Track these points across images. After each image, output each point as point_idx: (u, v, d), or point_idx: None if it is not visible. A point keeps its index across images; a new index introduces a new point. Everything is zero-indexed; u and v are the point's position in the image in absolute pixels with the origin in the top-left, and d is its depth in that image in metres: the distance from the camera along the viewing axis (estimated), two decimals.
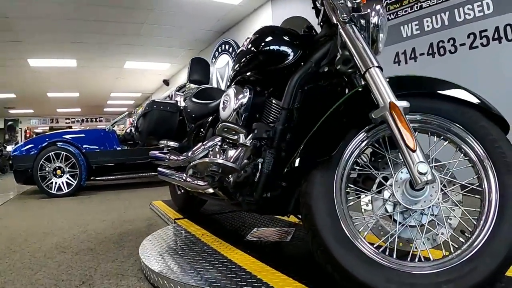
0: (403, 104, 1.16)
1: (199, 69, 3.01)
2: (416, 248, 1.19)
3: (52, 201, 5.07)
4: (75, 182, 5.58)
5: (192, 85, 3.38)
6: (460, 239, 1.17)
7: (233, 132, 1.77)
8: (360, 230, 1.24)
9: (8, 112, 18.93)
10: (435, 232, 1.22)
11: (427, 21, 3.71)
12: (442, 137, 1.26)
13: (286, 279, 1.41)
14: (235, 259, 1.71)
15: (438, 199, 1.20)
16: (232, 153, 1.81)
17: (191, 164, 2.02)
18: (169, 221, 3.05)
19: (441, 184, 1.22)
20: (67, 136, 5.92)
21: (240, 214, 2.90)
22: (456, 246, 1.15)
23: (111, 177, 6.21)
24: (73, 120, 21.81)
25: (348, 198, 1.30)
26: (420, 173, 1.09)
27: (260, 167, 1.59)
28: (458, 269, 1.06)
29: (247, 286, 1.37)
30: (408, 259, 1.15)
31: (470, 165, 1.21)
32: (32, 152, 5.52)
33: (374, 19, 1.46)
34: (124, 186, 6.42)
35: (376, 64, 1.24)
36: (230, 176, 1.71)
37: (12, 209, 4.55)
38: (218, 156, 1.98)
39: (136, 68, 11.54)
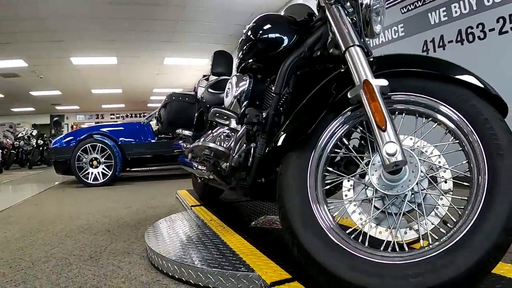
0: (379, 82, 1.13)
1: (222, 61, 3.07)
2: (397, 236, 1.15)
3: (87, 190, 5.38)
4: (110, 173, 5.88)
5: (214, 77, 3.47)
6: (442, 230, 1.10)
7: (225, 117, 1.82)
8: (334, 215, 1.21)
9: (55, 109, 20.17)
10: (418, 221, 1.14)
11: (455, 7, 3.54)
12: (430, 118, 1.18)
13: (268, 262, 1.43)
14: (229, 243, 1.76)
15: (418, 185, 1.14)
16: (228, 138, 1.86)
17: (189, 148, 2.09)
18: (187, 207, 3.16)
19: (429, 169, 1.18)
20: (104, 129, 6.25)
21: (255, 203, 2.96)
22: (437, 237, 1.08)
23: (146, 168, 6.46)
24: (118, 115, 22.76)
25: (326, 182, 1.27)
26: (388, 154, 1.06)
27: (252, 151, 1.62)
28: (431, 262, 0.98)
29: (229, 265, 1.41)
30: (382, 248, 1.10)
31: (460, 148, 1.13)
32: (71, 144, 5.88)
33: (365, 0, 1.43)
34: (158, 177, 6.68)
35: (357, 43, 1.23)
36: (224, 161, 1.77)
37: (49, 196, 4.89)
38: (222, 142, 2.03)
39: (175, 64, 11.88)
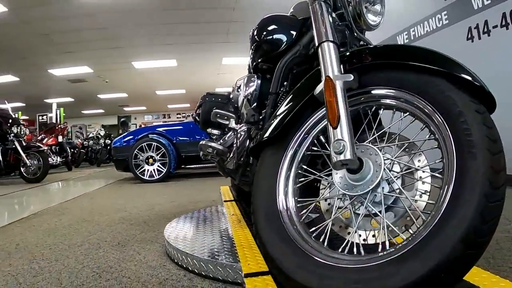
0: (342, 78, 1.12)
1: None
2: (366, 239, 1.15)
3: (142, 186, 5.79)
4: (165, 170, 6.26)
5: None
6: (402, 235, 1.04)
7: (225, 117, 1.92)
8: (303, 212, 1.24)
9: (123, 110, 21.72)
10: (382, 225, 1.08)
11: None
12: (408, 112, 1.13)
13: (257, 256, 1.45)
14: (235, 236, 1.82)
15: (380, 185, 1.10)
16: (232, 137, 1.96)
17: (199, 146, 2.21)
18: (222, 202, 3.31)
19: (403, 169, 1.14)
20: (160, 129, 6.67)
21: None
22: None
23: (200, 165, 6.75)
24: (184, 114, 23.78)
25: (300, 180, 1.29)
26: (335, 152, 1.05)
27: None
28: (379, 269, 0.92)
29: (222, 256, 1.50)
30: (340, 249, 1.09)
31: (436, 146, 1.05)
32: (130, 144, 6.35)
33: None
34: (212, 174, 6.95)
35: (330, 38, 1.20)
36: (227, 159, 1.88)
37: (105, 191, 5.34)
38: (227, 141, 2.12)
39: (234, 63, 12.24)
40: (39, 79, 12.75)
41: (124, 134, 6.99)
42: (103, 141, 13.24)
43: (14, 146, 6.88)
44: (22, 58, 10.16)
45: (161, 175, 6.25)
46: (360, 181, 1.10)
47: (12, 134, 6.97)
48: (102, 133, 13.89)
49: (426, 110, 1.05)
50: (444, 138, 1.00)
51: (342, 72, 1.15)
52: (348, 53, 1.21)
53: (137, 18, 7.68)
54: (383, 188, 1.11)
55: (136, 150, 6.22)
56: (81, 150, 12.65)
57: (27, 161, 6.89)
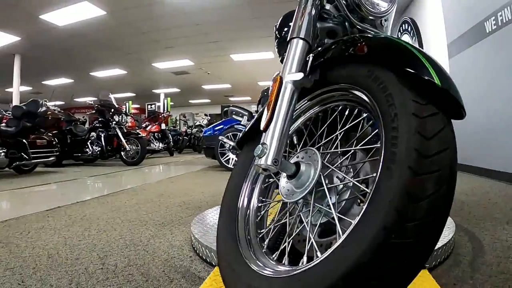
0: (291, 77, 1.10)
1: None
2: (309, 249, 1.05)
3: (225, 173, 6.18)
4: None
5: None
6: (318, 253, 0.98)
7: (240, 114, 2.04)
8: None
9: (228, 100, 22.96)
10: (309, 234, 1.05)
11: None
12: (366, 114, 1.08)
13: None
14: None
15: (312, 193, 1.07)
16: None
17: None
18: None
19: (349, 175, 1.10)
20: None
21: None
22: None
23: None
24: None
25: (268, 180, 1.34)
26: (257, 156, 1.03)
27: None
28: (285, 282, 0.93)
29: None
30: (284, 259, 1.08)
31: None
32: (217, 133, 6.81)
33: None
34: None
35: (301, 35, 1.17)
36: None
37: (188, 176, 5.84)
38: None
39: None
40: (145, 72, 14.39)
41: (213, 124, 7.49)
42: None
43: (116, 132, 7.88)
44: (127, 53, 11.60)
45: None
46: (299, 188, 1.08)
47: (114, 122, 7.98)
48: (205, 122, 14.90)
49: (374, 112, 0.97)
50: (380, 143, 0.90)
51: (301, 71, 1.12)
52: (320, 49, 1.17)
53: (227, 14, 8.18)
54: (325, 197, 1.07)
55: (222, 139, 6.65)
56: (185, 137, 13.81)
57: (127, 146, 7.83)
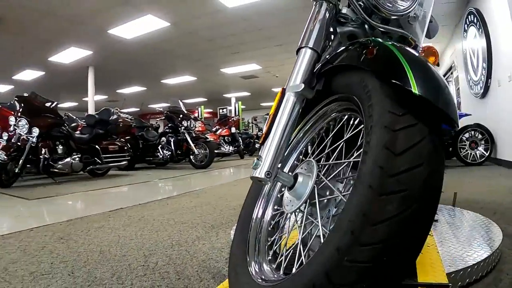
0: (293, 88, 1.11)
1: None
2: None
3: None
4: None
5: None
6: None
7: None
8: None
9: None
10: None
11: None
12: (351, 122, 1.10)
13: None
14: None
15: (305, 203, 1.09)
16: None
17: None
18: None
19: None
20: None
21: None
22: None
23: None
24: None
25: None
26: (253, 168, 1.05)
27: None
28: None
29: None
30: (280, 269, 1.13)
31: None
32: None
33: None
34: None
35: (310, 45, 1.18)
36: None
37: None
38: None
39: None
40: (214, 77, 15.01)
41: None
42: None
43: (184, 137, 8.27)
44: (195, 61, 12.19)
45: None
46: (297, 199, 1.09)
47: (183, 127, 8.38)
48: None
49: (361, 122, 0.99)
50: None
51: (306, 81, 1.13)
52: (328, 57, 1.16)
53: (288, 17, 8.25)
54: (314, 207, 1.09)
55: None
56: (256, 140, 14.12)
57: (195, 150, 8.18)
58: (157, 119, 12.60)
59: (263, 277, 1.09)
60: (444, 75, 13.13)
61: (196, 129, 9.05)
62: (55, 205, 3.82)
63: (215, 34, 9.48)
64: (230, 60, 12.29)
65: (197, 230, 2.40)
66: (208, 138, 8.72)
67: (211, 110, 22.55)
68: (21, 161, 5.15)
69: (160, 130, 9.69)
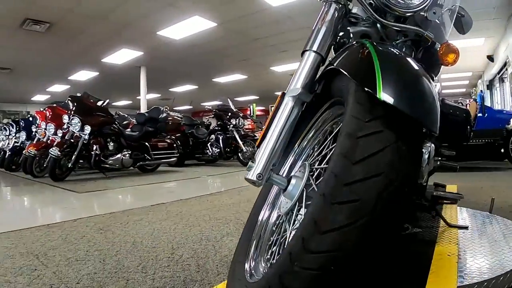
0: (291, 92, 1.13)
1: None
2: None
3: None
4: None
5: None
6: None
7: None
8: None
9: None
10: None
11: None
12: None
13: None
14: None
15: (295, 205, 1.12)
16: None
17: None
18: None
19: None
20: None
21: None
22: None
23: None
24: None
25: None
26: (248, 169, 1.07)
27: None
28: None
29: None
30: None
31: None
32: None
33: None
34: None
35: (314, 48, 1.19)
36: None
37: None
38: None
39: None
40: (264, 75, 15.25)
41: None
42: None
43: (233, 135, 8.44)
44: (244, 60, 12.42)
45: None
46: (290, 200, 1.12)
47: (232, 125, 8.56)
48: None
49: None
50: None
51: (307, 85, 1.14)
52: (330, 59, 1.18)
53: None
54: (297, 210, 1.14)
55: None
56: None
57: (244, 148, 8.33)
58: (208, 117, 12.96)
59: (254, 275, 1.15)
60: (499, 72, 12.40)
61: (245, 127, 9.22)
62: (101, 198, 4.09)
63: (261, 33, 9.60)
64: (279, 58, 12.38)
65: (228, 227, 2.48)
66: (256, 136, 8.85)
67: (263, 108, 22.74)
68: (73, 156, 5.54)
69: (212, 127, 9.97)
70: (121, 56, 11.03)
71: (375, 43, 1.00)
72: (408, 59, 0.96)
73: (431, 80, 0.90)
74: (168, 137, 7.64)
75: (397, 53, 0.97)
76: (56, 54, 10.39)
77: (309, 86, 1.15)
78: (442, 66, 2.28)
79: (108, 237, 2.24)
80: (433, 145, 2.36)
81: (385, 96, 0.80)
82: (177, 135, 8.47)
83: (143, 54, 10.92)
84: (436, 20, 1.37)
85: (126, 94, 17.62)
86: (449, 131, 2.84)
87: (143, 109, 11.96)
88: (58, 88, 15.19)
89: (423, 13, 1.29)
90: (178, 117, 9.06)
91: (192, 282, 1.48)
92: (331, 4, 1.27)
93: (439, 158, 1.90)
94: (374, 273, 0.79)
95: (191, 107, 21.24)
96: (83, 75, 13.30)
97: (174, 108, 19.63)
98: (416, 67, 0.92)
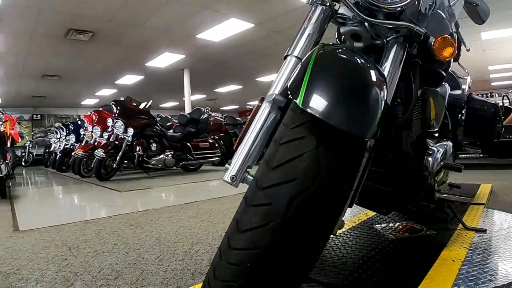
0: (268, 98, 1.12)
1: None
2: None
3: None
4: None
5: None
6: None
7: None
8: None
9: None
10: None
11: None
12: None
13: None
14: None
15: None
16: None
17: None
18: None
19: None
20: None
21: None
22: None
23: None
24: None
25: None
26: (224, 172, 1.08)
27: None
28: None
29: None
30: None
31: None
32: None
33: None
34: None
35: (295, 54, 1.21)
36: None
37: None
38: None
39: (497, 37, 10.60)
40: None
41: None
42: None
43: None
44: (283, 60, 12.27)
45: None
46: None
47: None
48: None
49: None
50: None
51: (283, 92, 1.13)
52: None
53: None
54: None
55: None
56: None
57: None
58: None
59: None
60: None
61: None
62: (141, 197, 4.35)
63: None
64: None
65: None
66: None
67: None
68: (118, 157, 5.91)
69: None
70: (164, 60, 11.44)
71: (326, 49, 1.04)
72: (355, 64, 0.98)
73: (377, 85, 0.92)
74: (211, 137, 7.89)
75: (344, 59, 0.99)
76: (101, 60, 10.95)
77: (286, 91, 1.13)
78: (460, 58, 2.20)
79: (137, 232, 2.43)
80: (450, 143, 2.33)
81: (305, 104, 0.86)
82: (220, 135, 8.71)
83: (185, 57, 11.26)
84: (439, 12, 1.36)
85: (172, 95, 18.18)
86: (476, 127, 2.77)
87: (187, 110, 12.34)
88: (106, 92, 15.91)
89: (413, 8, 1.26)
90: (219, 117, 9.30)
91: (200, 275, 1.61)
92: (317, 6, 1.29)
93: (464, 156, 1.87)
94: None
95: (237, 106, 21.57)
96: (129, 79, 13.86)
97: (220, 108, 19.99)
98: (358, 72, 0.95)
